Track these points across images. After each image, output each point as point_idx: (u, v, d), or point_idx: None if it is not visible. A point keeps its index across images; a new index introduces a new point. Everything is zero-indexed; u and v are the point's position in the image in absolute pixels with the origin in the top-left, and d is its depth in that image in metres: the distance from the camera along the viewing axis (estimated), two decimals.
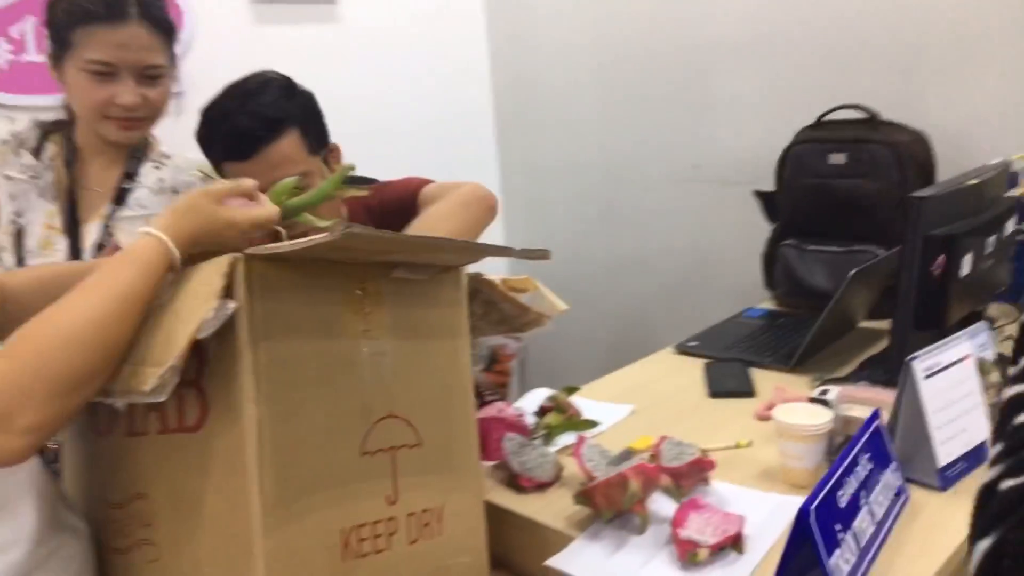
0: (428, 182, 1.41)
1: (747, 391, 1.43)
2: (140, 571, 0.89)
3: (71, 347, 0.73)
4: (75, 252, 1.31)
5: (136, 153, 1.39)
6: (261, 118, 1.26)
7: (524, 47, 2.77)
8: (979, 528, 0.52)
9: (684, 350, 1.68)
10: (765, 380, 1.48)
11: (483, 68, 2.87)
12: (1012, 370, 0.57)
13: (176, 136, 1.78)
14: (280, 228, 0.98)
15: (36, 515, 0.83)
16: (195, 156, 1.43)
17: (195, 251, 0.85)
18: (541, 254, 0.99)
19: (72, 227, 1.32)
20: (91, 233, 1.33)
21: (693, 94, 2.33)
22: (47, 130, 1.37)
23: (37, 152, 1.34)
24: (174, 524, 0.85)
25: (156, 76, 1.30)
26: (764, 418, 1.29)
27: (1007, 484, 0.52)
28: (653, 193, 2.48)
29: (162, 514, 0.87)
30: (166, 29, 1.31)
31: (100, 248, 1.32)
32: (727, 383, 1.46)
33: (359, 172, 1.73)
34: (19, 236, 1.30)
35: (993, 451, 0.55)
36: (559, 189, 2.77)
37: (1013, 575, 0.49)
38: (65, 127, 1.38)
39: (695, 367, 1.57)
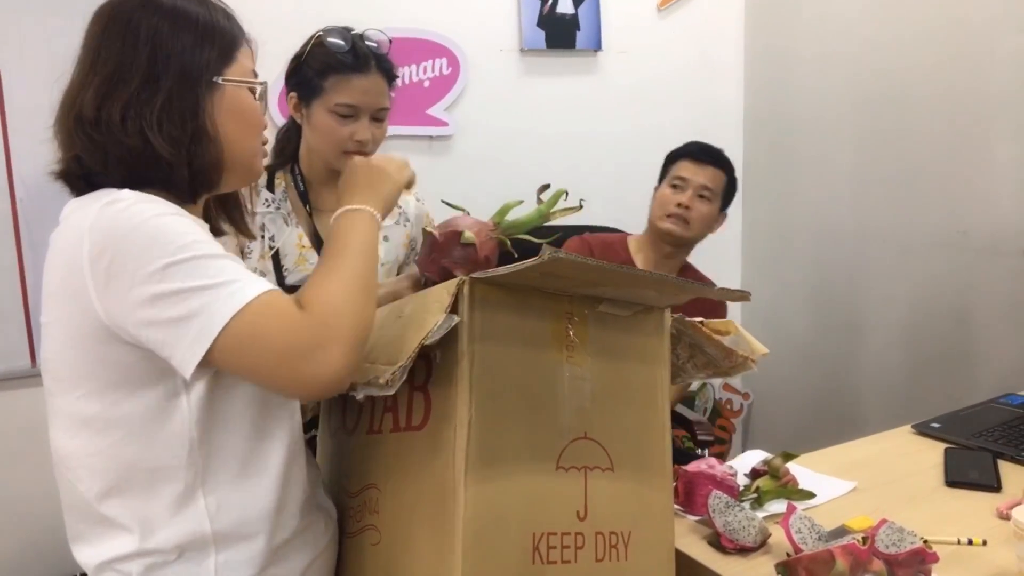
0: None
1: (991, 485, 1.30)
2: (364, 552, 1.01)
3: (354, 295, 0.87)
4: None
5: None
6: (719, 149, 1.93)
7: (779, 92, 2.71)
8: None
9: (924, 431, 1.55)
10: (1015, 475, 1.33)
11: (736, 118, 2.86)
12: None
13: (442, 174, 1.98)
14: (505, 238, 1.07)
15: (303, 492, 0.99)
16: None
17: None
18: (741, 295, 0.99)
19: (319, 243, 1.53)
20: None
21: (965, 150, 2.13)
22: (272, 170, 1.60)
23: (271, 188, 1.58)
24: (394, 510, 0.97)
25: (382, 118, 1.52)
26: (1006, 517, 1.17)
27: None
28: (910, 259, 2.30)
29: (385, 501, 0.99)
30: (392, 78, 1.54)
31: None
32: (969, 473, 1.34)
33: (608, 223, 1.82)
34: (276, 259, 1.54)
35: None
36: (804, 249, 2.65)
37: None
38: (283, 165, 1.60)
39: (934, 451, 1.45)
